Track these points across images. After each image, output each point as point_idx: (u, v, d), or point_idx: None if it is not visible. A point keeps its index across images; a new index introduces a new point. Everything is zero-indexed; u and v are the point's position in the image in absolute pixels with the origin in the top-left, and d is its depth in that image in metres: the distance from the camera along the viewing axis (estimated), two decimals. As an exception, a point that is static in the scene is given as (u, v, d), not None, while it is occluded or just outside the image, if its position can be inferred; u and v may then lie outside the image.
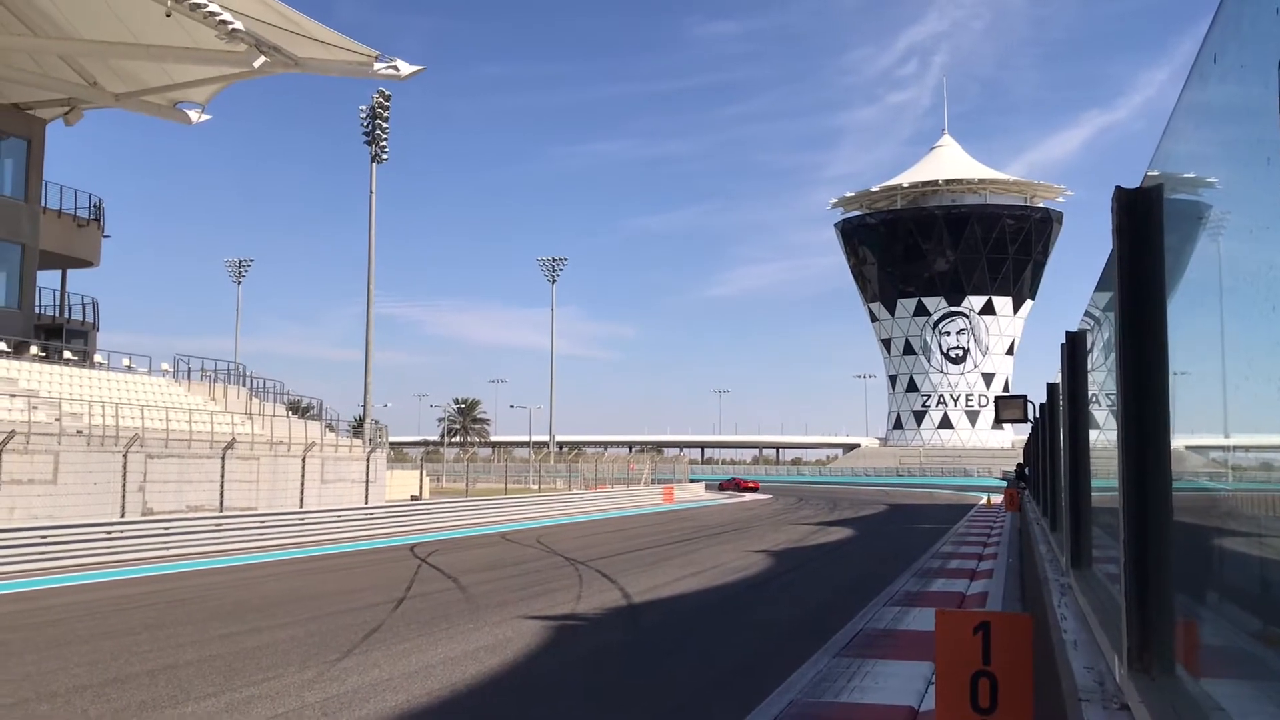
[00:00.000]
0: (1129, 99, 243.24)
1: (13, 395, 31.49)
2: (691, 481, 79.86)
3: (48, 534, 22.84)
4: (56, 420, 30.86)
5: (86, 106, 42.56)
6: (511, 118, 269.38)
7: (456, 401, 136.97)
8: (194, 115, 43.51)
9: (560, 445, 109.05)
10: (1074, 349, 5.34)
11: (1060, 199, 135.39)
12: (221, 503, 32.85)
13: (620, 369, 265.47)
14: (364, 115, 52.59)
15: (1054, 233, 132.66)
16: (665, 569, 22.88)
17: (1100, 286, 4.27)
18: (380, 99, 52.40)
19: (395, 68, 35.66)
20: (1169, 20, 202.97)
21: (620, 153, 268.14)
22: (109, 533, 24.41)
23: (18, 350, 37.69)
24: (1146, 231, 2.69)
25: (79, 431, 30.83)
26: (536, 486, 70.14)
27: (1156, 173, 2.67)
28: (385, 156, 52.26)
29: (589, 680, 11.27)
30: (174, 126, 44.75)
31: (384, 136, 52.20)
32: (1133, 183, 2.86)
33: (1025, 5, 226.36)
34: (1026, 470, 40.21)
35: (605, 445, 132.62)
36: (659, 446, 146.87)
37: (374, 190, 51.21)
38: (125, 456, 30.03)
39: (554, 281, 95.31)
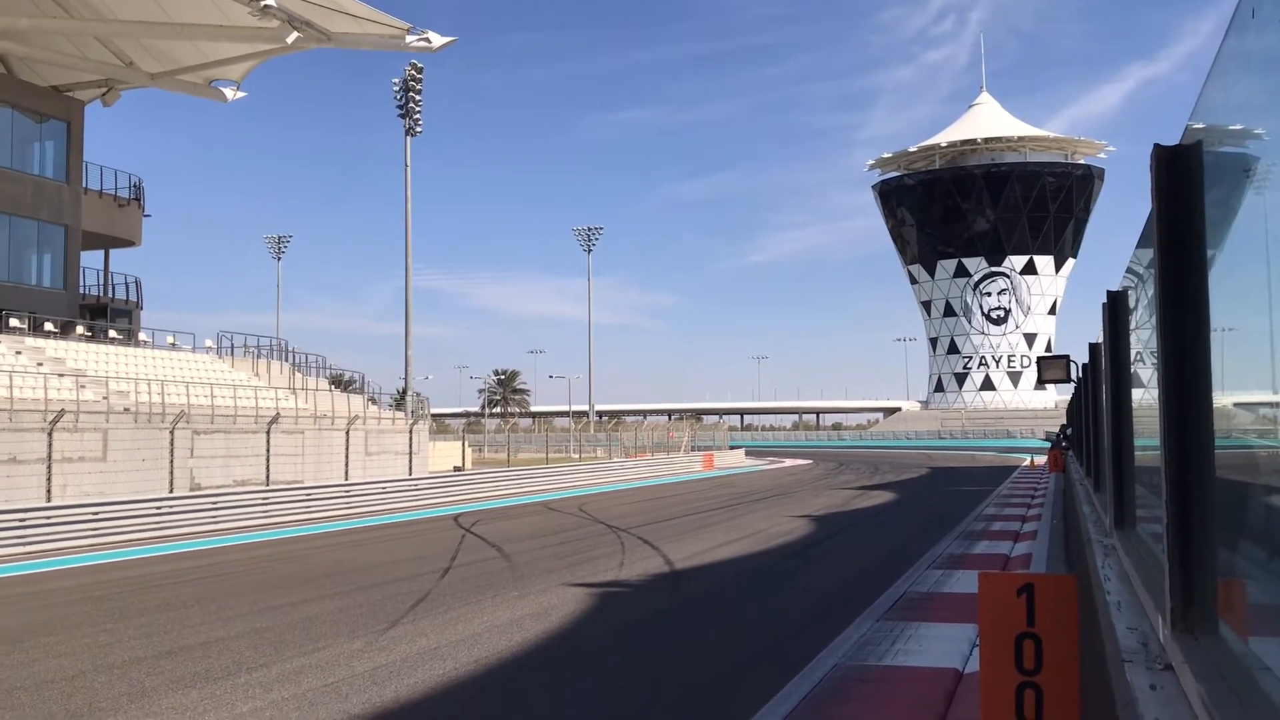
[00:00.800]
0: (1171, 50, 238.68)
1: (61, 375, 32.02)
2: (731, 448, 79.90)
3: (99, 510, 23.28)
4: (104, 399, 31.36)
5: (123, 87, 42.94)
6: (544, 87, 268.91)
7: (496, 373, 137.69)
8: (229, 93, 43.76)
9: (600, 414, 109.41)
10: (1115, 308, 5.28)
11: (1102, 155, 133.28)
12: (268, 476, 33.30)
13: (659, 337, 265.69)
14: (397, 88, 52.65)
15: (1095, 189, 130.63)
16: (707, 535, 22.95)
17: (1142, 243, 4.22)
18: (413, 72, 52.43)
19: (427, 40, 35.65)
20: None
21: (654, 119, 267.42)
22: (158, 508, 24.83)
23: (64, 330, 38.29)
24: (1186, 189, 2.65)
25: (126, 409, 31.32)
26: (577, 455, 70.45)
27: (1200, 125, 2.63)
28: (419, 129, 52.34)
29: (633, 647, 11.36)
30: (210, 105, 45.09)
31: (417, 109, 52.26)
32: (1175, 137, 2.82)
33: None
34: (1069, 431, 39.90)
35: (645, 414, 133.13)
36: (698, 414, 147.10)
37: (409, 163, 51.36)
38: (172, 433, 30.48)
39: (590, 251, 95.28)
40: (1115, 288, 5.54)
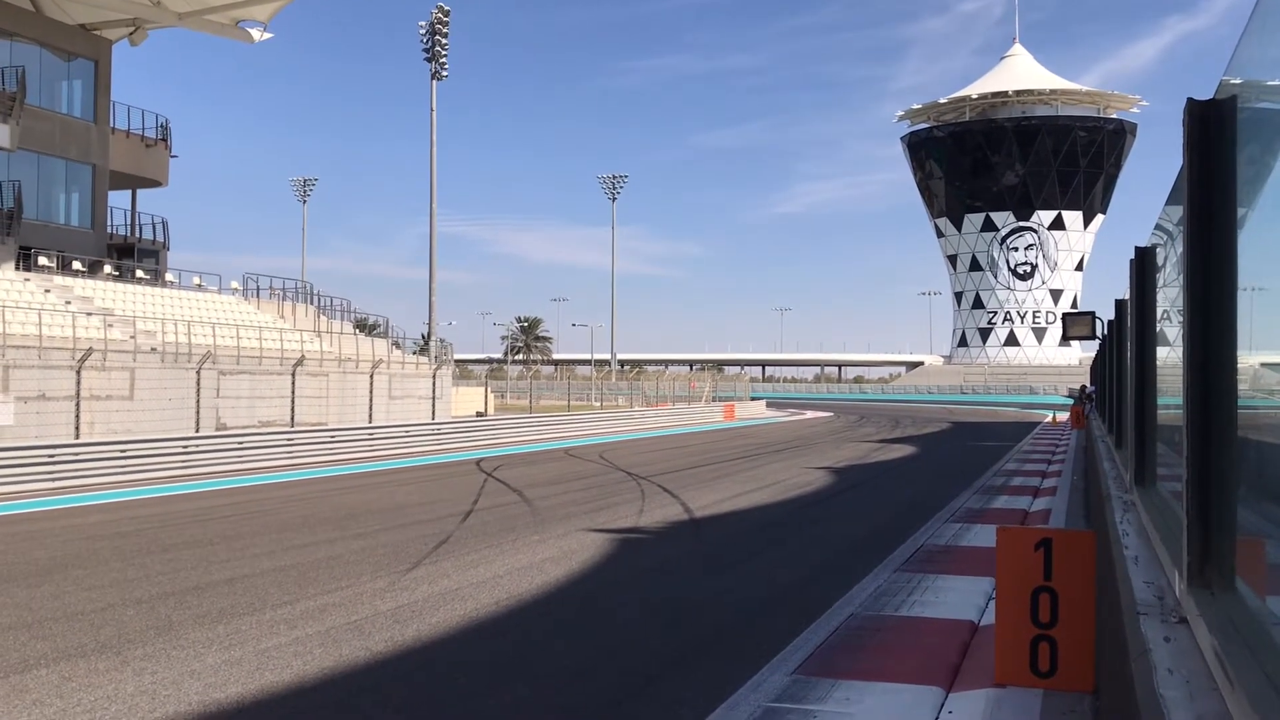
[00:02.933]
0: (1212, 3, 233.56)
1: (89, 314, 32.32)
2: (752, 399, 79.93)
3: (126, 448, 23.59)
4: (131, 338, 31.66)
5: (151, 26, 42.87)
6: (573, 31, 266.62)
7: (519, 320, 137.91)
8: (256, 34, 43.64)
9: (622, 363, 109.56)
10: (1142, 264, 5.25)
11: (1135, 110, 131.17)
12: (292, 418, 33.60)
13: (682, 287, 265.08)
14: (424, 31, 52.30)
15: (1127, 145, 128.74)
16: (726, 484, 23.07)
17: (1172, 200, 4.18)
18: (439, 14, 52.03)
19: (454, -18, 35.31)
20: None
21: (682, 66, 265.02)
22: (185, 447, 25.13)
23: (92, 270, 38.59)
24: (1219, 145, 2.64)
25: (153, 349, 31.62)
26: (598, 404, 70.67)
27: (1235, 80, 2.61)
28: (445, 74, 52.05)
29: (651, 592, 11.48)
30: (237, 45, 44.99)
31: (443, 53, 51.93)
32: (1211, 92, 2.79)
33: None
34: (1089, 389, 39.75)
35: (666, 363, 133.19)
36: (720, 364, 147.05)
37: (434, 108, 51.15)
38: (198, 373, 30.77)
39: (614, 199, 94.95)
40: (1145, 244, 5.50)
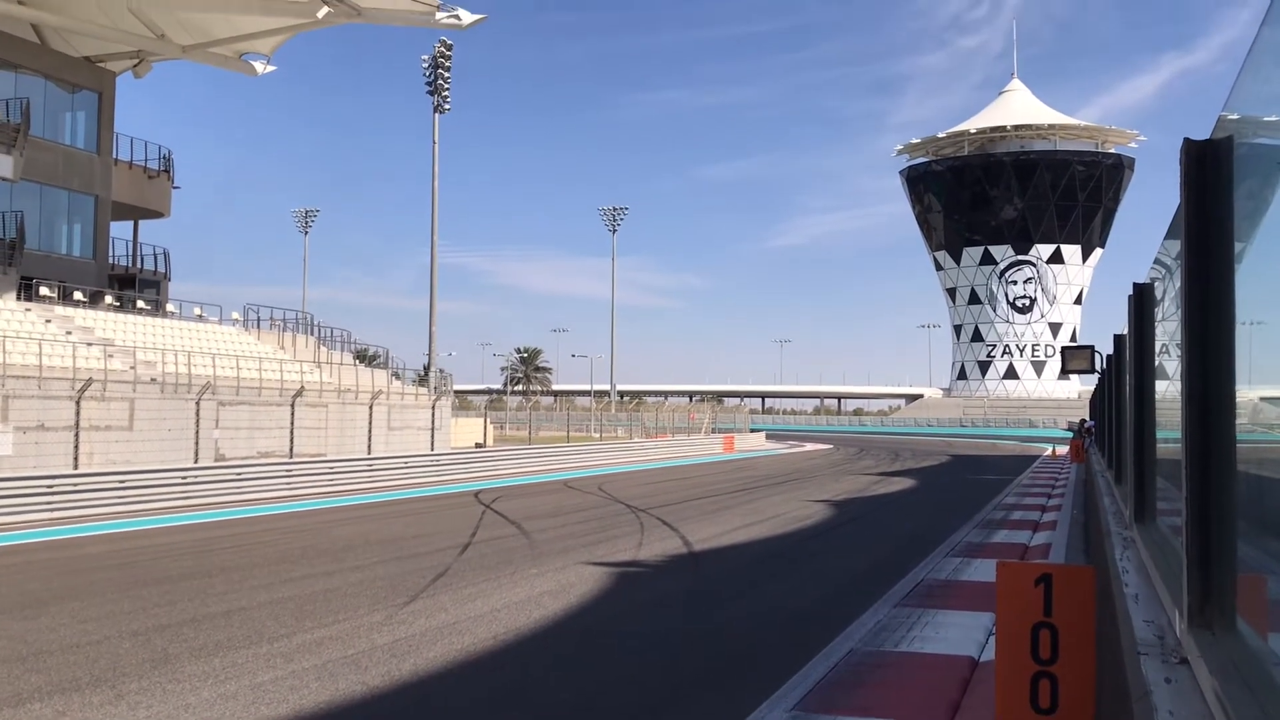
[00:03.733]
0: (1209, 40, 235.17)
1: (89, 344, 32.33)
2: (752, 431, 79.83)
3: (125, 478, 23.53)
4: (131, 368, 31.66)
5: (155, 58, 43.18)
6: (576, 65, 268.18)
7: (519, 351, 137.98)
8: (259, 66, 43.94)
9: (621, 394, 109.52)
10: (1141, 301, 5.26)
11: (1133, 144, 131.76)
12: (291, 449, 33.54)
13: (682, 318, 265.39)
14: (426, 65, 52.65)
15: (1126, 179, 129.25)
16: (726, 517, 22.99)
17: (1171, 234, 4.19)
18: (442, 48, 52.40)
19: (457, 17, 35.66)
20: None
21: (685, 100, 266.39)
22: (183, 478, 25.08)
23: (93, 300, 38.64)
24: (1216, 184, 2.65)
25: (153, 379, 31.61)
26: (598, 435, 70.59)
27: (1233, 116, 2.62)
28: (448, 106, 52.37)
29: (650, 626, 11.42)
30: (240, 78, 45.26)
31: (446, 86, 52.27)
32: (1208, 128, 2.81)
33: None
34: (1088, 423, 39.70)
35: (666, 394, 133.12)
36: (720, 396, 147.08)
37: (436, 140, 51.42)
38: (198, 404, 30.75)
39: (614, 231, 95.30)
40: (1143, 279, 5.51)
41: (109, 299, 39.69)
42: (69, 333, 33.53)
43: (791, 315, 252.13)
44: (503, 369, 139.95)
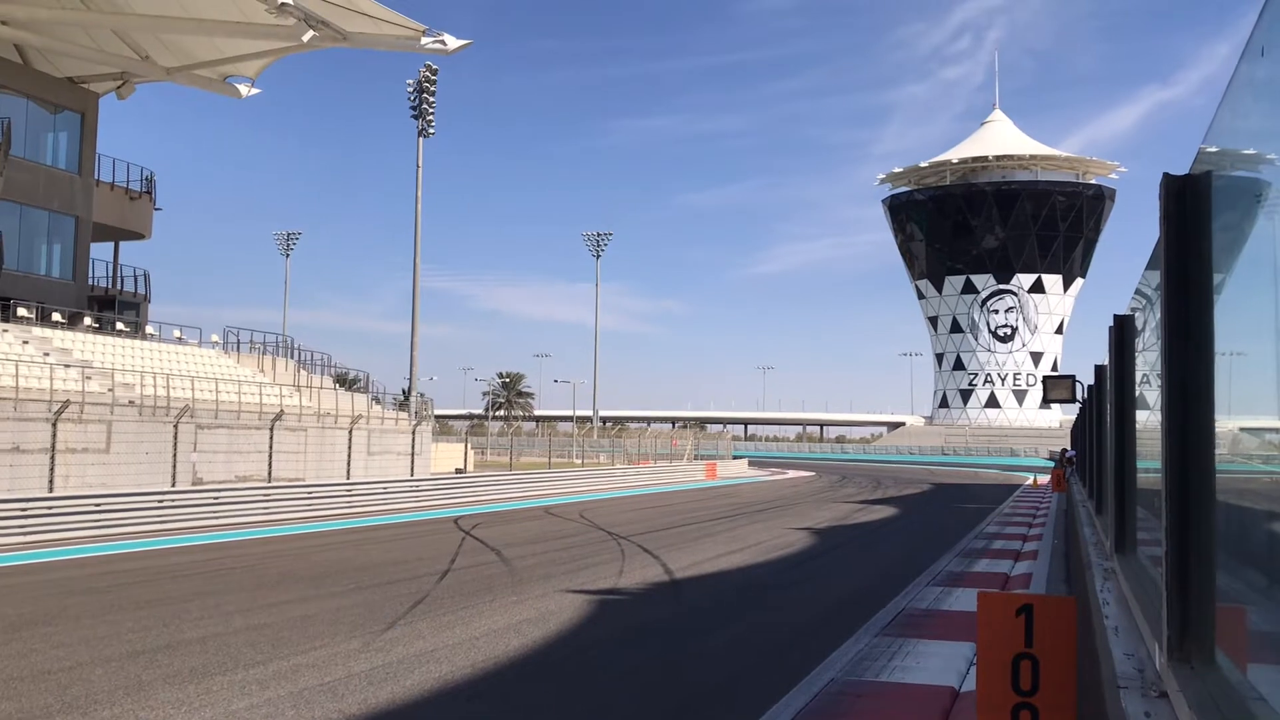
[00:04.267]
0: (1188, 74, 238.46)
1: (67, 365, 32.09)
2: (734, 458, 79.79)
3: (101, 502, 23.32)
4: (109, 391, 31.42)
5: (138, 80, 43.08)
6: (561, 92, 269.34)
7: (501, 376, 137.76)
8: (244, 89, 43.91)
9: (603, 420, 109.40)
10: (1122, 332, 5.28)
11: (1113, 175, 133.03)
12: (270, 473, 33.33)
13: (665, 344, 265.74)
14: (411, 90, 52.74)
15: (1106, 210, 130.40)
16: (707, 545, 22.93)
17: (1151, 265, 4.22)
18: (427, 73, 52.50)
19: (442, 42, 35.73)
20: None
21: (671, 128, 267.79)
22: (160, 501, 24.87)
23: (72, 321, 38.39)
24: (1195, 218, 2.66)
25: (131, 402, 31.38)
26: (579, 461, 70.42)
27: (1212, 149, 2.64)
28: (432, 131, 52.41)
29: (630, 655, 11.35)
30: (224, 100, 45.23)
31: (431, 111, 52.33)
32: (1188, 160, 2.83)
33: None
34: (1069, 453, 39.83)
35: (648, 421, 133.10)
36: (702, 423, 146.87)
37: (420, 164, 51.42)
38: (176, 427, 30.53)
39: (599, 256, 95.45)
40: (1123, 309, 5.54)
41: (88, 320, 39.45)
42: (46, 354, 33.28)
43: (774, 342, 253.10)
44: (484, 394, 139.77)
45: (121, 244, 48.46)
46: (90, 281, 44.66)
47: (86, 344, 36.28)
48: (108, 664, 10.12)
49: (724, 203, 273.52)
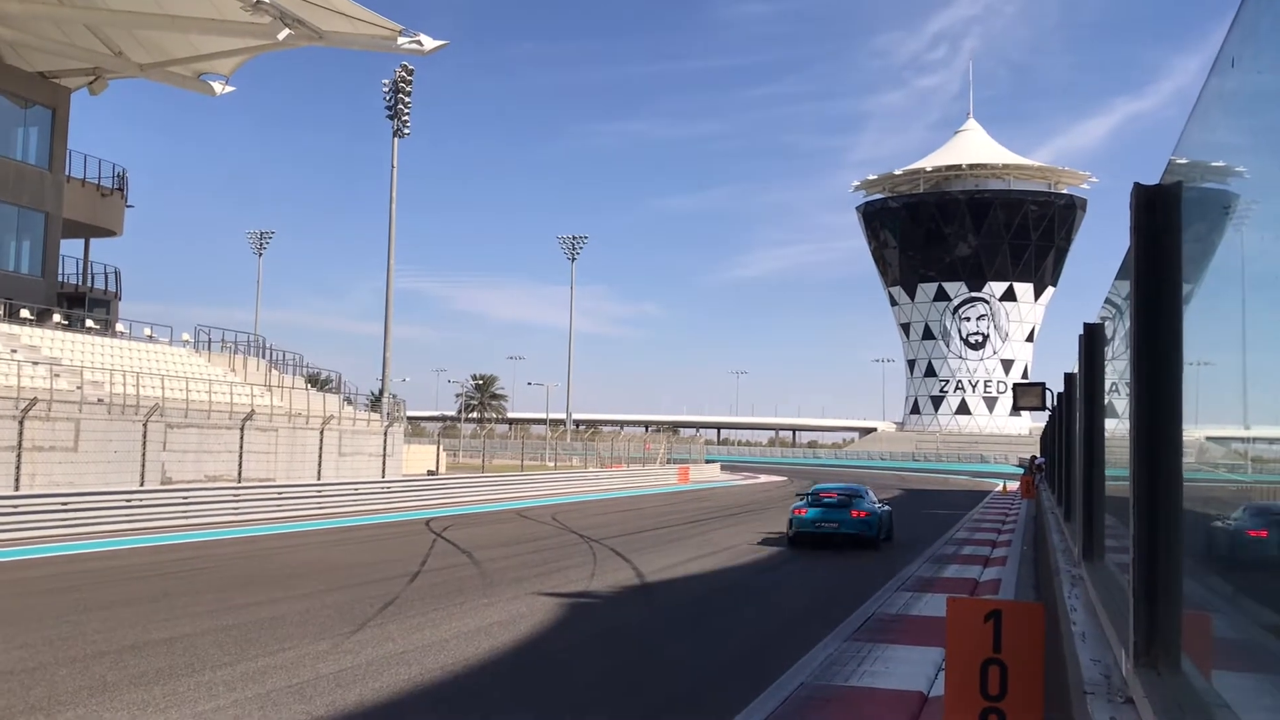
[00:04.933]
0: (1159, 86, 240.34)
1: (35, 363, 31.74)
2: (707, 462, 79.88)
3: (68, 501, 23.08)
4: (78, 388, 31.11)
5: (111, 76, 42.70)
6: (540, 95, 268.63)
7: (474, 378, 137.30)
8: (218, 87, 43.63)
9: (577, 423, 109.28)
10: (1092, 340, 5.32)
11: (1085, 185, 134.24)
12: (240, 473, 33.09)
13: (639, 348, 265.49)
14: (387, 89, 52.58)
15: (1078, 219, 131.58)
16: (679, 549, 22.93)
17: (1121, 274, 4.25)
18: (403, 73, 52.35)
19: (419, 42, 35.65)
20: (1204, 3, 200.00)
21: (648, 132, 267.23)
22: (128, 501, 24.64)
23: (41, 318, 37.98)
24: (1164, 228, 2.69)
25: (100, 400, 31.08)
26: (552, 464, 70.30)
27: (1182, 160, 2.66)
28: (407, 131, 52.25)
29: (601, 659, 11.34)
30: (198, 98, 44.92)
31: (406, 111, 52.16)
32: (1159, 171, 2.85)
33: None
34: (1039, 460, 40.13)
35: (622, 424, 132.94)
36: (675, 426, 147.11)
37: (395, 164, 51.25)
38: (145, 425, 30.26)
39: (574, 259, 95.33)
40: (1093, 318, 5.59)
41: (57, 317, 39.04)
42: (14, 351, 32.91)
43: (748, 347, 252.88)
44: (458, 395, 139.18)
45: (92, 241, 48.01)
46: (60, 278, 44.21)
47: (55, 341, 35.92)
48: (72, 664, 10.01)
49: (701, 207, 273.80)
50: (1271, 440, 1.98)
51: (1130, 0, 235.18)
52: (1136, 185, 2.77)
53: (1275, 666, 1.83)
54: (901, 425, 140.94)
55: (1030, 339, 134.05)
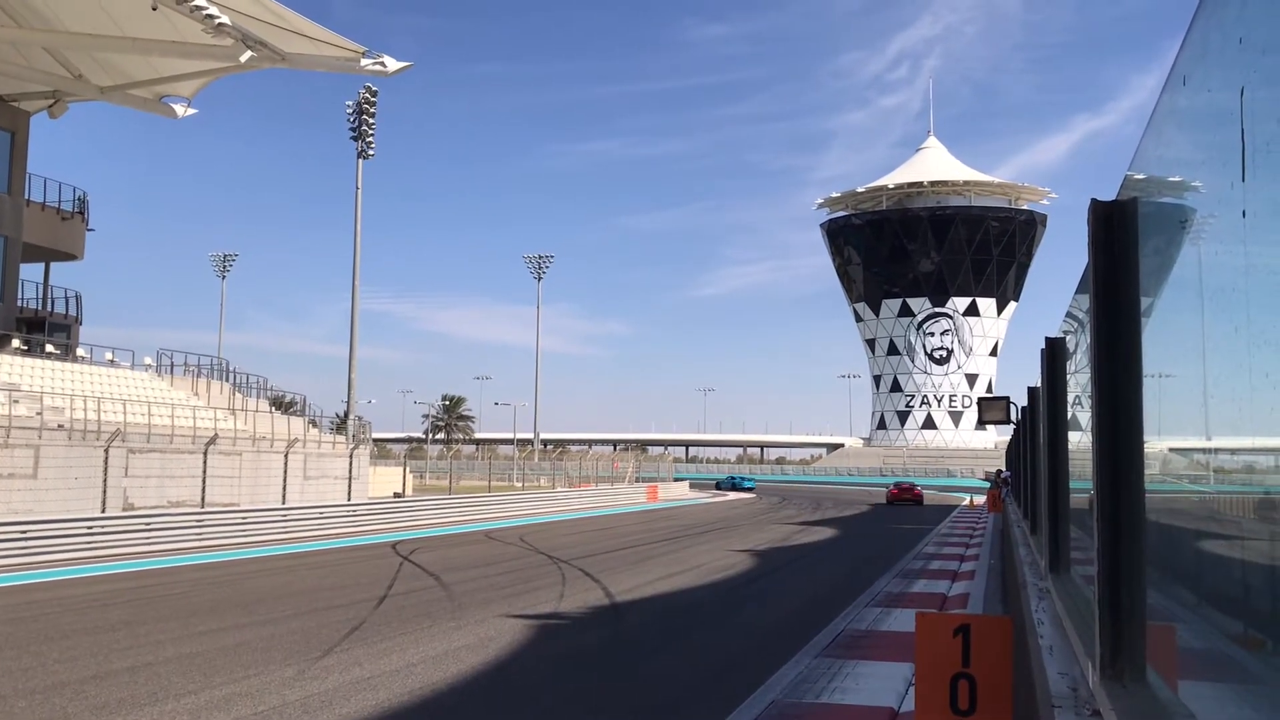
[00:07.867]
0: (1118, 103, 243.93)
1: (-7, 389, 31.29)
2: (676, 480, 79.85)
3: (28, 529, 22.71)
4: (38, 414, 30.68)
5: (71, 99, 42.29)
6: (505, 116, 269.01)
7: (444, 399, 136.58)
8: (180, 109, 43.32)
9: (545, 443, 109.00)
10: (1053, 354, 5.37)
11: (1045, 201, 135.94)
12: (203, 498, 32.72)
13: (606, 367, 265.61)
14: (351, 111, 52.47)
15: (1038, 235, 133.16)
16: (648, 568, 22.88)
17: (1081, 289, 4.29)
18: (367, 95, 52.29)
19: (382, 64, 35.59)
20: (1161, 23, 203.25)
21: (612, 151, 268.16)
22: (90, 528, 24.28)
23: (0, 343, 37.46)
24: (1122, 243, 2.71)
25: (60, 426, 30.66)
26: (520, 484, 70.04)
27: (1139, 176, 2.69)
28: (372, 153, 52.15)
29: (571, 680, 11.27)
30: (160, 120, 44.56)
31: (370, 132, 52.08)
32: (1117, 188, 2.88)
33: (1019, 9, 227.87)
34: (1004, 474, 40.43)
35: (590, 443, 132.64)
36: (643, 445, 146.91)
37: (360, 186, 51.11)
38: (107, 451, 29.88)
39: (540, 279, 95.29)
40: (1055, 332, 5.64)
41: (16, 342, 38.51)
42: (-28, 377, 32.44)
43: (715, 365, 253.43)
44: (424, 416, 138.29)
45: (52, 265, 47.46)
46: (19, 303, 43.64)
47: (14, 367, 35.43)
48: (31, 696, 9.83)
49: (666, 226, 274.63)
50: (1233, 451, 2.00)
51: (1090, 20, 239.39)
52: (1094, 201, 2.80)
53: (1238, 675, 1.84)
54: (868, 440, 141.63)
55: (994, 353, 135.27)
